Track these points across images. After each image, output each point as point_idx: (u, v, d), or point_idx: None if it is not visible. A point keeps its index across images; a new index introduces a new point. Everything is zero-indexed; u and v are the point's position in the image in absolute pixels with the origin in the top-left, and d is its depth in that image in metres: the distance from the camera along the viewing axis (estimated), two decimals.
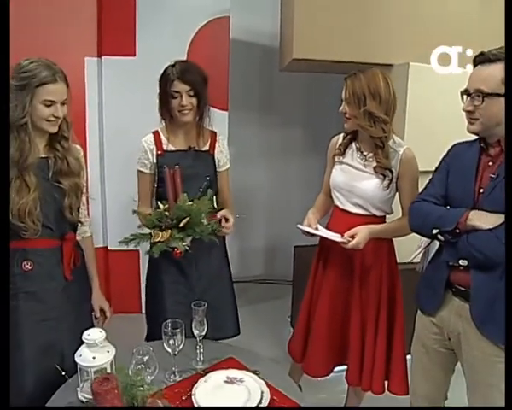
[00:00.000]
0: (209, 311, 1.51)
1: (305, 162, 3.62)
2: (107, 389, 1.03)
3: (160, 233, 1.54)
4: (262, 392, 1.31)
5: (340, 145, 1.80)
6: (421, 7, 2.49)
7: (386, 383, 1.79)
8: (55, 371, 1.30)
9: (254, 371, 1.42)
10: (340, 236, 1.68)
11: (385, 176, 1.67)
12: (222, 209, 1.89)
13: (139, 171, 1.83)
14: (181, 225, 1.56)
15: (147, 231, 1.62)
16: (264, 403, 1.27)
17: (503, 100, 1.25)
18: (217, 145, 1.86)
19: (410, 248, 1.66)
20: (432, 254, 1.55)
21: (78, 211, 1.59)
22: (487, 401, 1.37)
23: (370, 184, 1.69)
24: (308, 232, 1.73)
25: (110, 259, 2.94)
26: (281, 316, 3.05)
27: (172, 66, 1.75)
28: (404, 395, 1.74)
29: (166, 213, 1.59)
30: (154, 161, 1.79)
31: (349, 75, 1.67)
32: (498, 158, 1.34)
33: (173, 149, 1.80)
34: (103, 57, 2.71)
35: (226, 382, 1.37)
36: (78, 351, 1.30)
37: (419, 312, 1.57)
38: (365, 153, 1.72)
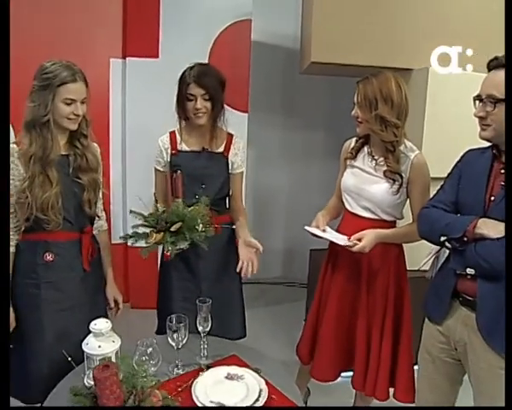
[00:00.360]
0: (216, 310, 1.53)
1: (326, 165, 3.58)
2: (107, 375, 1.07)
3: (155, 234, 1.58)
4: (260, 390, 1.32)
5: (352, 149, 1.79)
6: (441, 10, 2.44)
7: (392, 390, 1.77)
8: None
9: (256, 370, 1.44)
10: (347, 238, 1.67)
11: (394, 180, 1.66)
12: (232, 212, 1.92)
13: (155, 168, 1.88)
14: (172, 229, 1.59)
15: (146, 230, 1.65)
16: (262, 401, 1.29)
17: None
18: (232, 147, 1.86)
19: (421, 256, 1.63)
20: (441, 261, 1.53)
21: (96, 205, 1.66)
22: None
23: (380, 188, 1.68)
24: (315, 234, 1.73)
25: (129, 255, 3.00)
26: (296, 319, 3.03)
27: (191, 68, 1.77)
28: (410, 403, 1.71)
29: (163, 215, 1.62)
30: (168, 159, 1.83)
31: (361, 79, 1.66)
32: None
33: (187, 149, 1.83)
34: (127, 58, 2.79)
35: (226, 378, 1.39)
36: (86, 339, 1.36)
37: (426, 320, 1.55)
38: (376, 157, 1.70)
